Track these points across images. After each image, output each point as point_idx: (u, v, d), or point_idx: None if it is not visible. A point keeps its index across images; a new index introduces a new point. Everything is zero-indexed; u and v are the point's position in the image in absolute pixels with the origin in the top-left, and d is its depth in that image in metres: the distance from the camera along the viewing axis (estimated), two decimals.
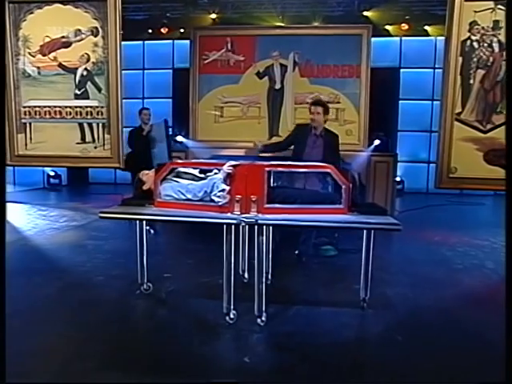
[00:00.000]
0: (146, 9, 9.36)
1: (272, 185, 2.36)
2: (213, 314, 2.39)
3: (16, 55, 4.00)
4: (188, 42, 6.62)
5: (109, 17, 3.76)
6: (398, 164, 10.06)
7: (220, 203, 2.25)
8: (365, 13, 7.75)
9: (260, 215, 2.22)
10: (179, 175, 2.50)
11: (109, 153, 4.01)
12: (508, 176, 1.59)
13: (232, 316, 2.31)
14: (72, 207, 6.68)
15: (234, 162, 2.30)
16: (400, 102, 10.07)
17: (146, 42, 10.25)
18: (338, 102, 5.64)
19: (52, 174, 9.76)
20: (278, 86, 5.79)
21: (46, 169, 9.06)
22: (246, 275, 2.99)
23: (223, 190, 2.24)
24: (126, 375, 1.80)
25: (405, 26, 9.06)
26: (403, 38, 9.68)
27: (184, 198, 2.37)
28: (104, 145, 4.01)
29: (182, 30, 9.20)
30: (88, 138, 4.06)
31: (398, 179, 9.85)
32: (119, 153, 4.00)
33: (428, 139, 9.85)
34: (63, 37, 3.93)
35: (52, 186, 9.85)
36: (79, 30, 3.89)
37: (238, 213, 2.24)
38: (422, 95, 10.01)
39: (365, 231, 2.49)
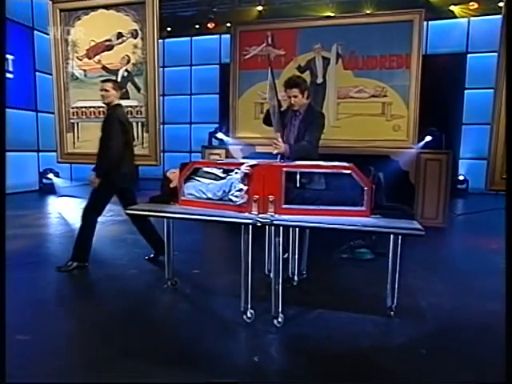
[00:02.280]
0: (193, 4, 9.78)
1: (291, 185, 2.41)
2: (232, 312, 2.51)
3: (66, 59, 4.48)
4: None
5: (147, 19, 4.05)
6: (462, 161, 9.50)
7: (238, 203, 2.37)
8: None
9: (277, 216, 2.30)
10: (202, 175, 2.66)
11: (147, 151, 4.32)
12: (508, 176, 1.53)
13: (249, 315, 2.42)
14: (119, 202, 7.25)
15: (252, 162, 2.40)
16: (466, 91, 9.43)
17: (193, 37, 10.71)
18: (385, 96, 5.45)
19: None
20: (319, 81, 5.75)
21: None
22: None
23: (241, 190, 2.35)
24: (141, 364, 2.00)
25: (474, 5, 8.43)
26: (471, 19, 9.03)
27: (205, 197, 2.53)
28: (143, 143, 4.33)
29: (228, 24, 9.50)
30: None
31: (460, 178, 9.28)
32: (156, 151, 4.29)
33: None
34: (106, 40, 4.31)
35: None
36: (120, 33, 4.24)
37: (256, 213, 2.34)
38: (493, 83, 9.28)
39: (392, 235, 2.46)
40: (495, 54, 9.19)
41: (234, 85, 6.10)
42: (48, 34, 4.72)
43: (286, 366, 2.04)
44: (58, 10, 4.37)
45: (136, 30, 4.18)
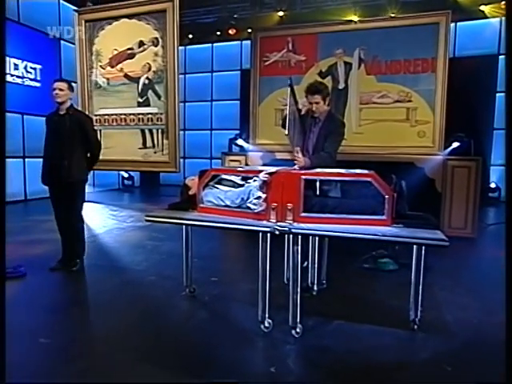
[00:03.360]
0: (215, 11, 9.98)
1: (310, 193, 2.42)
2: (250, 321, 2.53)
3: (90, 68, 4.67)
4: None
5: (167, 27, 4.17)
6: (494, 168, 9.20)
7: (256, 210, 2.39)
8: None
9: (295, 224, 2.30)
10: (220, 182, 2.70)
11: (167, 158, 4.42)
12: (508, 176, 1.51)
13: (267, 324, 2.42)
14: (140, 208, 7.42)
15: (270, 170, 2.43)
16: (497, 94, 9.16)
17: (214, 44, 10.90)
18: (410, 101, 5.37)
19: (126, 175, 10.90)
20: (341, 86, 5.73)
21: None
22: None
23: (259, 198, 2.38)
24: (158, 369, 2.04)
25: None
26: (504, 19, 8.80)
27: (223, 204, 2.57)
28: (163, 150, 4.43)
29: (249, 30, 9.61)
30: (148, 143, 4.53)
31: (492, 186, 8.99)
32: (176, 158, 4.38)
33: None
34: (128, 49, 4.47)
35: (126, 187, 11.00)
36: (142, 42, 4.39)
37: (274, 220, 2.35)
38: None
39: (414, 246, 2.42)
40: None
41: (255, 91, 6.16)
42: (73, 44, 4.94)
43: (304, 379, 2.03)
44: (83, 21, 4.57)
45: (157, 38, 4.32)
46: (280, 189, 2.36)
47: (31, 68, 7.80)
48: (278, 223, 2.32)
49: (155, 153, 4.44)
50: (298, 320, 2.38)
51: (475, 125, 8.00)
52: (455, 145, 5.31)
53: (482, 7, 8.42)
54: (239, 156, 6.10)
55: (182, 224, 2.70)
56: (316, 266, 3.07)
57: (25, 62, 7.65)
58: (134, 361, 2.12)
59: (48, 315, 2.69)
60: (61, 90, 3.37)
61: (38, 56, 7.92)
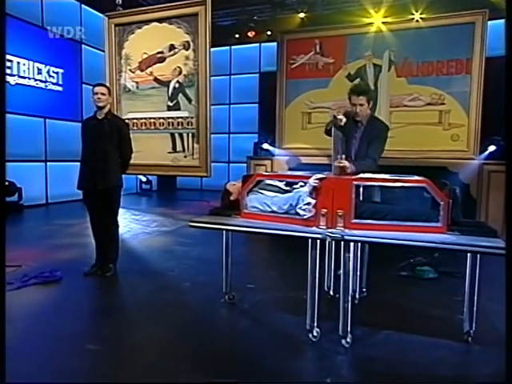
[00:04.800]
0: (234, 14, 10.06)
1: (360, 198, 2.40)
2: (295, 329, 2.51)
3: (119, 72, 4.74)
4: (275, 43, 6.92)
5: (199, 31, 4.22)
6: None
7: (305, 216, 2.38)
8: None
9: (346, 231, 2.29)
10: (264, 187, 2.70)
11: (197, 162, 4.45)
12: (508, 176, 1.48)
13: (315, 334, 2.40)
14: (162, 213, 7.46)
15: (320, 175, 2.42)
16: None
17: (232, 47, 10.97)
18: (442, 104, 5.32)
19: (144, 179, 11.00)
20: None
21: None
22: (332, 292, 3.06)
23: (309, 204, 2.37)
24: (203, 378, 2.03)
25: None
26: None
27: (269, 210, 2.56)
28: (193, 154, 4.47)
29: (269, 33, 9.67)
30: (178, 147, 4.57)
31: None
32: (207, 162, 4.40)
33: None
34: (159, 52, 4.53)
35: (144, 191, 11.10)
36: (173, 45, 4.45)
37: (324, 227, 2.34)
38: None
39: (469, 254, 2.38)
40: None
41: (281, 94, 6.16)
42: (95, 47, 5.01)
43: None
44: (113, 25, 4.65)
45: (188, 42, 4.37)
46: (330, 194, 2.35)
47: (54, 72, 7.94)
48: (329, 230, 2.30)
49: (185, 157, 4.48)
50: (349, 329, 2.35)
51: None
52: (491, 149, 5.22)
53: None
54: (265, 160, 6.10)
55: (231, 230, 2.69)
56: (358, 273, 3.03)
57: (48, 67, 7.80)
58: (177, 369, 2.11)
59: (89, 320, 2.72)
60: (103, 94, 3.46)
61: (61, 60, 8.06)
